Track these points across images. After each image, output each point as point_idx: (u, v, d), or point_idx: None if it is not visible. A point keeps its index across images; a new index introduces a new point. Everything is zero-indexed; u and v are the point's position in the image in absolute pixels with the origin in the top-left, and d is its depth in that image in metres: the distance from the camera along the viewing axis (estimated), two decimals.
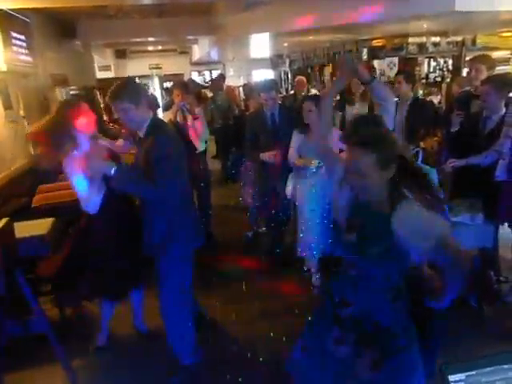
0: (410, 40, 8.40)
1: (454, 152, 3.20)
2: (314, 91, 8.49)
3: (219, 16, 8.43)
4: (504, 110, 2.97)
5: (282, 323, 3.02)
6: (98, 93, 7.21)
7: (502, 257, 3.44)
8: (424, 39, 8.45)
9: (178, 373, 2.55)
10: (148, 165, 2.17)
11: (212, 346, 2.82)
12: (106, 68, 13.47)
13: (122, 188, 2.29)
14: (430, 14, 5.80)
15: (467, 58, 8.96)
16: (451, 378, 0.75)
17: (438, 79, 8.44)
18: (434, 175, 2.88)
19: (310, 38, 8.62)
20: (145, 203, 2.42)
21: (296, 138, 3.54)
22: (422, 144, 3.28)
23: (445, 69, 8.75)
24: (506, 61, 7.75)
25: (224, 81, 7.10)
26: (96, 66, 11.40)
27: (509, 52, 8.66)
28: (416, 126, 4.05)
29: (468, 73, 4.14)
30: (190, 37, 10.95)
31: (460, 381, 0.75)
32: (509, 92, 2.98)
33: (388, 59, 8.44)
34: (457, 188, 3.21)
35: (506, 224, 3.12)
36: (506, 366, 0.79)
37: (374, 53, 8.79)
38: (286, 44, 10.31)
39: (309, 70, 12.27)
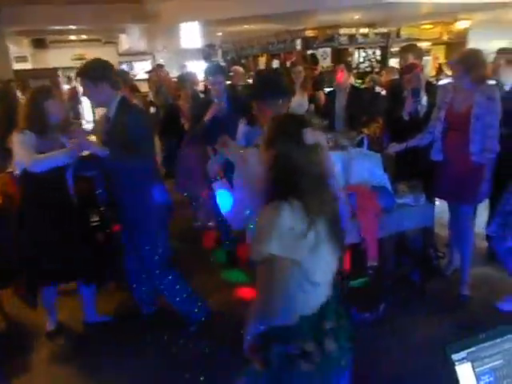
0: (341, 31, 8.69)
1: (397, 136, 3.33)
2: (250, 81, 8.43)
3: (149, 3, 8.05)
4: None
5: None
6: (15, 86, 6.58)
7: (437, 234, 3.69)
8: (354, 30, 8.78)
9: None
10: (122, 142, 2.34)
11: None
12: (23, 59, 12.36)
13: (115, 164, 2.45)
14: (360, 5, 5.99)
15: (393, 49, 9.48)
16: (454, 356, 0.74)
17: (368, 69, 8.82)
18: (378, 160, 3.00)
19: (244, 27, 8.56)
20: (117, 184, 2.59)
21: (242, 130, 3.47)
22: (365, 130, 3.38)
23: (373, 59, 9.18)
24: (427, 51, 8.27)
25: (163, 71, 6.79)
26: (11, 56, 10.38)
27: (430, 43, 9.28)
28: (356, 113, 4.20)
29: (399, 62, 4.37)
30: (118, 25, 10.36)
31: (463, 359, 0.75)
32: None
33: (321, 49, 8.66)
34: (400, 171, 3.35)
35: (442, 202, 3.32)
36: (498, 340, 0.80)
37: (308, 43, 8.96)
38: (218, 34, 10.16)
39: (243, 61, 12.22)
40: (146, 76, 7.75)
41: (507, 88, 3.43)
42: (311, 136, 1.29)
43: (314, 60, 5.05)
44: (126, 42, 12.82)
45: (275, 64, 10.12)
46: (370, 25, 8.77)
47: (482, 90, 2.84)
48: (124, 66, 15.36)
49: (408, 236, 3.27)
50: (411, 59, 3.84)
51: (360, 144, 3.39)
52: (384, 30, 9.14)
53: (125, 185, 2.55)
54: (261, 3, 6.55)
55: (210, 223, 4.32)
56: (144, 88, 6.88)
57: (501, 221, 2.81)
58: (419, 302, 3.09)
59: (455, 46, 9.11)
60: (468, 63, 2.81)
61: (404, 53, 3.98)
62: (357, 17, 7.41)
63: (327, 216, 1.31)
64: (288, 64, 6.62)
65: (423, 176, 3.08)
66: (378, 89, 5.62)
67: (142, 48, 13.01)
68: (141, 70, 14.27)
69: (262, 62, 11.30)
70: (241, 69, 6.60)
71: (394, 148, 3.23)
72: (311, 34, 8.86)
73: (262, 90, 2.09)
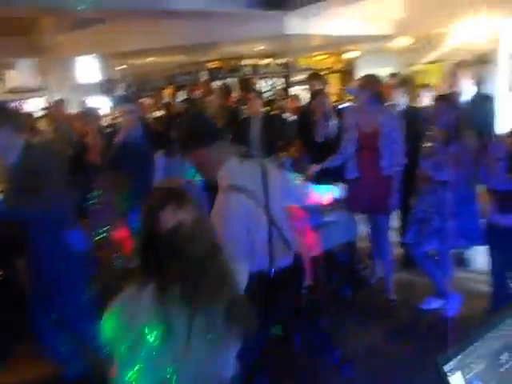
0: (245, 62, 9.03)
1: (314, 158, 3.49)
2: (158, 114, 8.29)
3: (41, 36, 7.56)
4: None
5: None
6: None
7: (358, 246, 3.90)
8: (256, 61, 9.19)
9: None
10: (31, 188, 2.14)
11: None
12: None
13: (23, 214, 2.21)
14: (259, 36, 6.28)
15: (294, 78, 10.10)
16: (445, 368, 0.74)
17: (273, 97, 9.25)
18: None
19: (147, 60, 8.46)
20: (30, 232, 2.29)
21: (161, 162, 3.36)
22: (285, 154, 3.49)
23: (277, 88, 9.67)
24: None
25: (63, 107, 6.32)
26: None
27: (325, 72, 10.06)
28: (271, 138, 4.33)
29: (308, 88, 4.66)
30: (4, 60, 9.53)
31: (453, 369, 0.75)
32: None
33: (229, 80, 8.88)
34: None
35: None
36: (478, 343, 0.82)
37: (213, 74, 9.13)
38: (121, 66, 9.89)
39: (147, 94, 11.99)
40: (41, 113, 7.18)
41: (401, 108, 3.81)
42: (171, 217, 1.11)
43: (227, 90, 5.16)
44: (15, 77, 11.82)
45: (182, 96, 10.11)
46: (271, 55, 9.26)
47: (385, 111, 3.13)
48: (14, 104, 14.09)
49: (334, 251, 3.39)
50: (317, 86, 4.11)
51: (283, 167, 3.49)
52: (284, 60, 9.72)
53: (36, 232, 2.27)
54: (162, 35, 6.54)
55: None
56: (41, 126, 6.34)
57: (416, 228, 3.05)
58: (351, 314, 3.19)
59: (347, 73, 10.04)
60: (371, 88, 3.08)
61: (310, 80, 4.25)
62: (259, 48, 7.79)
63: (212, 304, 1.11)
64: (199, 94, 6.65)
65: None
66: (286, 115, 5.91)
67: (34, 84, 12.09)
68: (34, 107, 13.21)
69: (167, 94, 11.21)
70: (147, 100, 6.47)
71: (314, 168, 3.37)
72: (216, 65, 9.07)
73: (199, 137, 1.92)
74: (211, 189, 2.12)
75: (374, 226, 3.36)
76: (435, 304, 3.14)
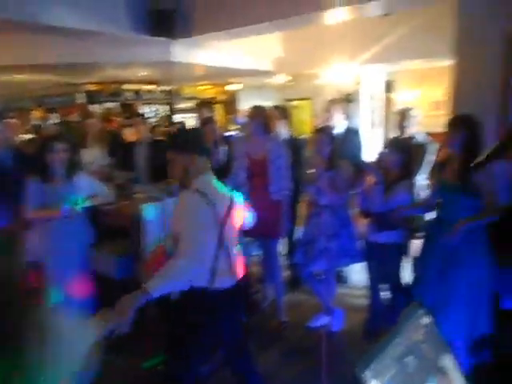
0: (127, 86, 8.73)
1: None
2: (27, 136, 7.45)
3: None
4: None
5: None
6: None
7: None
8: (139, 86, 8.97)
9: None
10: None
11: None
12: None
13: None
14: (146, 62, 6.17)
15: (177, 106, 10.10)
16: (364, 377, 0.77)
17: (157, 123, 9.08)
18: None
19: (16, 77, 7.60)
20: None
21: (34, 188, 2.99)
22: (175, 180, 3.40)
23: (161, 114, 9.55)
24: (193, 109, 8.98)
25: None
26: None
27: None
28: (159, 164, 4.21)
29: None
30: None
31: (370, 378, 0.78)
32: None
33: (109, 104, 8.46)
34: None
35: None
36: (385, 351, 0.88)
37: (92, 97, 8.61)
38: None
39: (11, 114, 10.72)
40: None
41: (284, 138, 4.06)
42: None
43: (109, 113, 4.89)
44: None
45: (55, 118, 9.30)
46: (155, 82, 9.14)
47: (272, 139, 3.31)
48: None
49: None
50: (206, 114, 4.18)
51: (173, 193, 3.39)
52: (168, 87, 9.68)
53: None
54: (34, 52, 5.97)
55: None
56: None
57: (303, 250, 3.23)
58: (247, 339, 3.19)
59: (230, 104, 10.45)
60: (260, 118, 3.24)
61: (200, 108, 4.30)
62: (142, 73, 7.62)
63: None
64: (75, 117, 6.18)
65: None
66: None
67: None
68: None
69: (36, 116, 10.19)
70: (14, 121, 5.77)
71: None
72: (95, 88, 8.58)
73: (198, 144, 2.11)
74: None
75: (265, 250, 3.46)
76: (322, 321, 3.33)
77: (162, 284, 1.74)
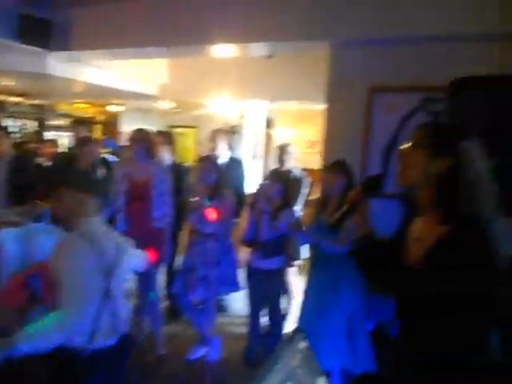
0: None
1: None
2: None
3: None
4: None
5: None
6: None
7: None
8: (4, 97, 7.95)
9: None
10: None
11: None
12: None
13: None
14: (14, 72, 5.55)
15: (49, 122, 9.22)
16: None
17: (22, 140, 8.14)
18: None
19: None
20: None
21: None
22: (44, 203, 3.04)
23: (29, 130, 8.56)
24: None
25: None
26: None
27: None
28: (24, 183, 3.74)
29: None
30: None
31: None
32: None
33: None
34: None
35: None
36: (266, 379, 0.89)
37: None
38: None
39: None
40: None
41: (167, 163, 3.98)
42: None
43: None
44: None
45: None
46: (23, 94, 8.23)
47: (155, 163, 3.22)
48: None
49: None
50: (83, 133, 3.89)
51: (40, 218, 3.01)
52: (40, 102, 8.79)
53: None
54: None
55: None
56: None
57: (183, 278, 3.15)
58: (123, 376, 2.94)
59: (110, 125, 9.93)
60: (143, 141, 3.14)
61: (76, 126, 3.99)
62: (7, 83, 6.80)
63: None
64: None
65: None
66: (40, 159, 5.29)
67: None
68: None
69: None
70: None
71: None
72: None
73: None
74: None
75: (142, 279, 3.27)
76: (201, 352, 3.25)
77: (33, 337, 1.51)
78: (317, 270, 2.73)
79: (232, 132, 6.76)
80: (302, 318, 2.67)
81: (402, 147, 1.34)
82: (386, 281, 1.32)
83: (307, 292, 2.74)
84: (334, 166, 2.68)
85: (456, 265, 1.11)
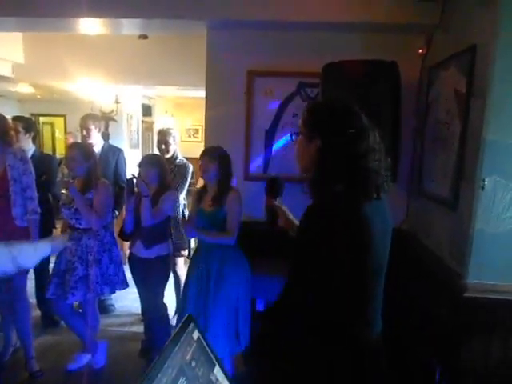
0: None
1: None
2: None
3: None
4: None
5: None
6: None
7: None
8: None
9: None
10: None
11: None
12: None
13: None
14: None
15: None
16: None
17: None
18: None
19: None
20: None
21: None
22: None
23: None
24: None
25: None
26: None
27: None
28: None
29: None
30: None
31: None
32: None
33: None
34: None
35: None
36: (158, 377, 0.79)
37: None
38: None
39: None
40: None
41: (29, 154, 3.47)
42: None
43: None
44: None
45: None
46: None
47: (13, 153, 2.78)
48: None
49: None
50: None
51: None
52: None
53: None
54: None
55: None
56: None
57: (58, 281, 2.79)
58: None
59: None
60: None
61: None
62: None
63: None
64: None
65: None
66: None
67: None
68: None
69: None
70: None
71: None
72: None
73: None
74: None
75: (7, 287, 2.82)
76: (84, 360, 2.96)
77: None
78: (198, 258, 2.68)
79: (107, 119, 6.25)
80: (188, 307, 2.59)
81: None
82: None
83: (189, 281, 2.66)
84: (209, 151, 2.64)
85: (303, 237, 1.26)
